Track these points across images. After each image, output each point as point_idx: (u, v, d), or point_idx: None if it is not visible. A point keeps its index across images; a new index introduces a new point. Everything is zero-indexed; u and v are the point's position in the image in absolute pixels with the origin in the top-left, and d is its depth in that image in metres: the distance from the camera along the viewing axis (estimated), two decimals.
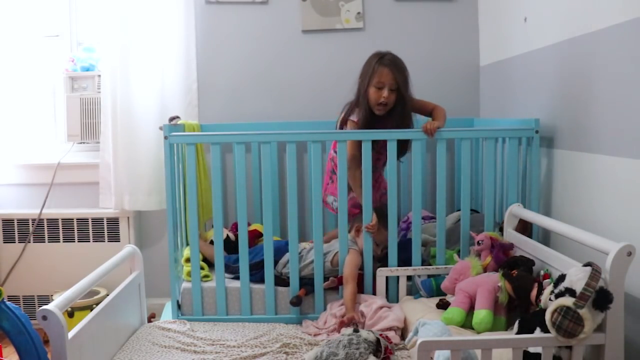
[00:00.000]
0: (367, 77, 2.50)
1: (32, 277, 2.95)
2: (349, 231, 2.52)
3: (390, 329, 2.15)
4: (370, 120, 2.51)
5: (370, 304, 2.29)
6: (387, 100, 2.47)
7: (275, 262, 2.50)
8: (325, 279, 2.46)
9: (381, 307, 2.26)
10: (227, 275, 2.53)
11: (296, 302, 2.39)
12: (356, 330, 1.96)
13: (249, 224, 2.63)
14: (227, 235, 2.72)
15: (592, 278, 1.56)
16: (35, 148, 3.11)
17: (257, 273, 2.48)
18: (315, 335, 2.27)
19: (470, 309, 2.08)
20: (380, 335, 1.98)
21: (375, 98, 2.48)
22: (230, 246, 2.67)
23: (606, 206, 1.96)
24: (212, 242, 2.60)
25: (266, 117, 3.05)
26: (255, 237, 2.78)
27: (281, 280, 2.49)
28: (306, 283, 2.46)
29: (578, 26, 2.11)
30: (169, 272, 2.46)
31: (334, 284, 2.43)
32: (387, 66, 2.47)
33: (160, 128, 2.46)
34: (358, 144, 2.46)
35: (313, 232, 2.45)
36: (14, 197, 3.10)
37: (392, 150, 2.41)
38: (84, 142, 3.11)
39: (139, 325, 2.39)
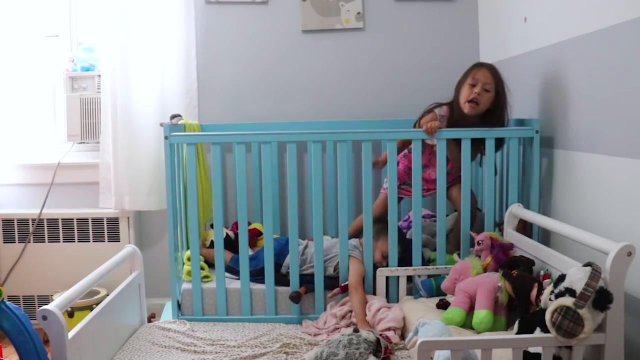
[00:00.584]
0: (462, 78, 2.48)
1: (32, 277, 2.95)
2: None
3: (388, 329, 2.15)
4: (457, 120, 2.46)
5: (369, 306, 2.28)
6: (478, 98, 2.39)
7: (281, 262, 2.50)
8: (327, 279, 2.46)
9: (379, 309, 2.25)
10: (229, 275, 2.53)
11: (296, 297, 2.39)
12: (356, 330, 1.96)
13: (249, 223, 2.63)
14: (227, 233, 2.71)
15: (592, 278, 1.56)
16: (35, 148, 3.11)
17: (262, 278, 2.47)
18: (315, 335, 2.27)
19: (470, 309, 2.08)
20: (380, 335, 1.98)
21: (466, 95, 2.41)
22: (231, 245, 2.67)
23: (606, 206, 1.96)
24: (212, 245, 2.60)
25: (266, 117, 3.05)
26: (255, 236, 2.78)
27: (287, 280, 2.47)
28: (308, 281, 2.46)
29: (578, 26, 2.11)
30: (169, 272, 2.46)
31: (339, 293, 2.43)
32: (484, 67, 2.45)
33: (161, 124, 2.46)
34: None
35: (313, 232, 2.45)
36: (14, 197, 3.10)
37: (392, 150, 2.41)
38: (84, 142, 3.11)
39: (139, 325, 2.39)
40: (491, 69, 2.44)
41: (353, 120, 2.96)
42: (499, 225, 2.49)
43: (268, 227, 2.44)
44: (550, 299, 1.64)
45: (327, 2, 3.06)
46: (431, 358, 1.69)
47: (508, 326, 2.03)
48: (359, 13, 3.08)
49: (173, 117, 2.64)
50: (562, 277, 1.67)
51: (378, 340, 1.92)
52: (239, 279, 2.49)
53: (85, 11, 3.16)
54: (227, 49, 3.09)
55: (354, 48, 3.08)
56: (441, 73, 3.12)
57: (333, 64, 3.10)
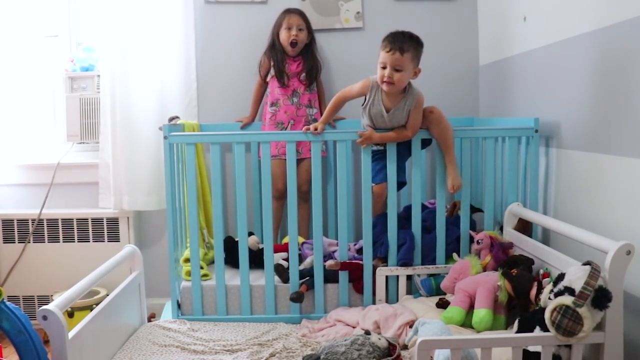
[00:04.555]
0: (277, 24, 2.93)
1: (32, 277, 2.95)
2: None
3: (406, 324, 2.14)
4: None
5: (383, 312, 2.23)
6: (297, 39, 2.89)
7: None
8: (326, 277, 2.46)
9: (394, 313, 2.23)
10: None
11: (296, 297, 2.39)
12: (367, 333, 1.94)
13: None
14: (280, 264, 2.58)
15: (592, 277, 1.57)
16: (35, 148, 3.11)
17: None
18: (312, 332, 2.27)
19: (470, 308, 2.08)
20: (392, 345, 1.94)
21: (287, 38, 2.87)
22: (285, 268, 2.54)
23: (606, 205, 1.96)
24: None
25: None
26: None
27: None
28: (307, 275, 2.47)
29: (577, 25, 2.11)
30: (169, 272, 2.46)
31: (337, 267, 2.41)
32: (294, 12, 2.92)
33: (160, 128, 2.46)
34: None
35: (313, 231, 2.45)
36: (14, 197, 3.10)
37: (391, 148, 2.42)
38: (83, 142, 3.11)
39: (139, 325, 2.39)
40: (298, 11, 2.88)
41: (353, 120, 2.96)
42: (500, 224, 2.50)
43: (268, 227, 2.44)
44: (549, 298, 1.65)
45: (327, 2, 3.06)
46: (431, 357, 1.69)
47: (507, 325, 2.03)
48: (358, 13, 3.08)
49: (171, 119, 2.65)
50: (561, 276, 1.68)
51: (388, 348, 1.90)
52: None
53: (84, 11, 3.16)
54: (226, 48, 3.09)
55: (353, 47, 3.08)
56: (441, 72, 3.12)
57: (333, 64, 3.10)
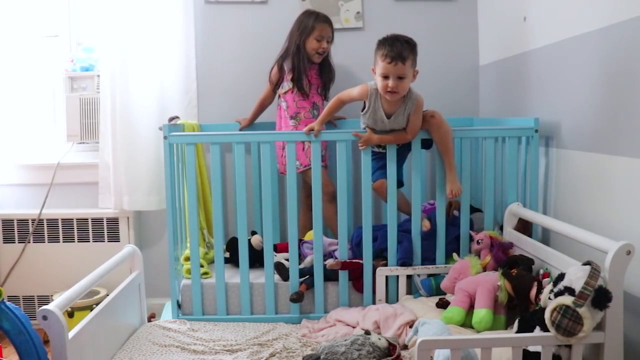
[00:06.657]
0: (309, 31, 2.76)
1: (32, 277, 2.95)
2: None
3: (406, 324, 2.14)
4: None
5: (383, 312, 2.23)
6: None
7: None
8: (326, 275, 2.46)
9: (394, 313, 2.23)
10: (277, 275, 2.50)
11: (297, 298, 2.39)
12: (367, 333, 1.95)
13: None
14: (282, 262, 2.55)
15: (592, 277, 1.57)
16: (35, 148, 3.11)
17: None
18: (312, 332, 2.27)
19: (470, 308, 2.08)
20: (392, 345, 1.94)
21: (316, 48, 2.75)
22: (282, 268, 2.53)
23: (606, 205, 1.96)
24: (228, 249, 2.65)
25: (266, 117, 3.05)
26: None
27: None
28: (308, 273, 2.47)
29: (577, 25, 2.11)
30: (168, 272, 2.46)
31: (338, 267, 2.42)
32: (326, 21, 2.78)
33: (160, 128, 2.46)
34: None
35: (313, 231, 2.45)
36: (14, 197, 3.10)
37: (391, 149, 2.42)
38: (83, 142, 3.11)
39: (139, 325, 2.39)
40: (329, 21, 2.77)
41: (353, 120, 2.96)
42: (500, 224, 2.50)
43: (267, 227, 2.44)
44: (549, 298, 1.65)
45: (327, 2, 3.06)
46: (431, 357, 1.69)
47: (508, 325, 2.03)
48: (358, 13, 3.08)
49: (171, 119, 2.65)
50: (561, 276, 1.68)
51: (388, 348, 1.90)
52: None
53: (84, 11, 3.16)
54: (226, 48, 3.09)
55: (353, 47, 3.08)
56: (441, 72, 3.13)
57: (332, 64, 3.10)
